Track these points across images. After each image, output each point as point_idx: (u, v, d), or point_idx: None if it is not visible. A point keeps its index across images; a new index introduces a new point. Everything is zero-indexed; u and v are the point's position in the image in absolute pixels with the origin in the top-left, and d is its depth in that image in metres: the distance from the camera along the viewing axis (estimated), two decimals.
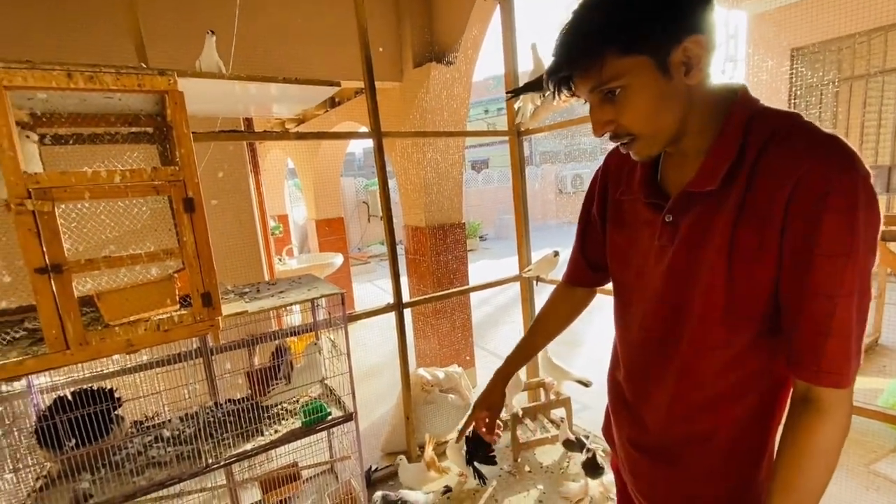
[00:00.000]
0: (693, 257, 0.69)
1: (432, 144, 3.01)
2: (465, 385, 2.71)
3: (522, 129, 2.47)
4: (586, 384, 2.43)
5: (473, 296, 3.94)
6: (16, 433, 1.38)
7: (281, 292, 1.67)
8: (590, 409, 2.89)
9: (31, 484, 1.37)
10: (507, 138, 2.57)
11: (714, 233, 0.66)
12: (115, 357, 1.75)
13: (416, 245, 3.44)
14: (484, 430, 1.06)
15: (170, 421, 1.67)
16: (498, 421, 1.08)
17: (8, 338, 1.19)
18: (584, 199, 0.95)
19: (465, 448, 2.13)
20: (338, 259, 4.97)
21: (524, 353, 1.08)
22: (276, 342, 1.86)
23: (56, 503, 1.30)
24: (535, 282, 2.68)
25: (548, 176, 14.18)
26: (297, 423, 1.60)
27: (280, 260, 4.75)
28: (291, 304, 1.52)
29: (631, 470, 0.87)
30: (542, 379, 2.67)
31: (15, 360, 1.00)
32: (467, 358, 3.57)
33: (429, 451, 2.20)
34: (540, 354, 2.62)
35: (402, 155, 3.18)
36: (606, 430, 0.99)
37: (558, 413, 2.61)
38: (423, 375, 2.65)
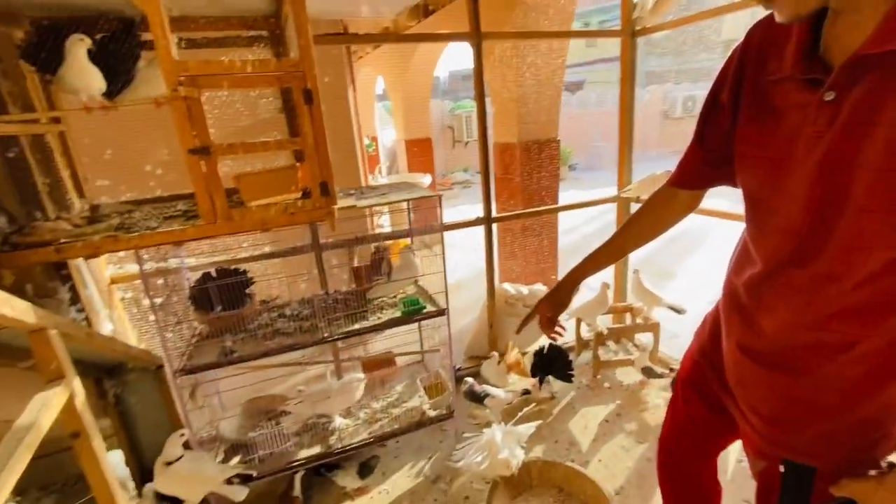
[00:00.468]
0: (858, 139, 0.59)
1: (534, 47, 2.80)
2: None
3: (639, 26, 2.19)
4: (679, 311, 2.34)
5: (561, 223, 3.86)
6: (175, 299, 1.70)
7: (383, 194, 1.77)
8: (678, 339, 2.80)
9: (188, 340, 1.70)
10: (608, 55, 2.32)
11: (893, 104, 0.55)
12: (244, 244, 2.03)
13: (505, 163, 3.38)
14: (545, 325, 1.07)
15: (289, 304, 1.93)
16: (559, 320, 1.09)
17: (168, 214, 1.43)
18: (713, 84, 0.82)
19: (534, 360, 2.21)
20: (426, 179, 5.08)
21: (606, 254, 1.02)
22: (376, 244, 2.01)
23: (208, 353, 1.60)
24: (633, 205, 2.53)
25: (655, 97, 12.49)
26: (397, 314, 1.77)
27: (373, 177, 4.98)
28: (396, 203, 1.61)
29: (737, 378, 0.84)
30: (631, 304, 2.62)
31: (179, 228, 1.20)
32: (553, 277, 3.58)
33: (511, 355, 2.32)
34: (630, 278, 2.54)
35: (500, 60, 3.00)
36: (700, 341, 0.97)
37: (644, 338, 2.57)
38: (507, 290, 2.73)
